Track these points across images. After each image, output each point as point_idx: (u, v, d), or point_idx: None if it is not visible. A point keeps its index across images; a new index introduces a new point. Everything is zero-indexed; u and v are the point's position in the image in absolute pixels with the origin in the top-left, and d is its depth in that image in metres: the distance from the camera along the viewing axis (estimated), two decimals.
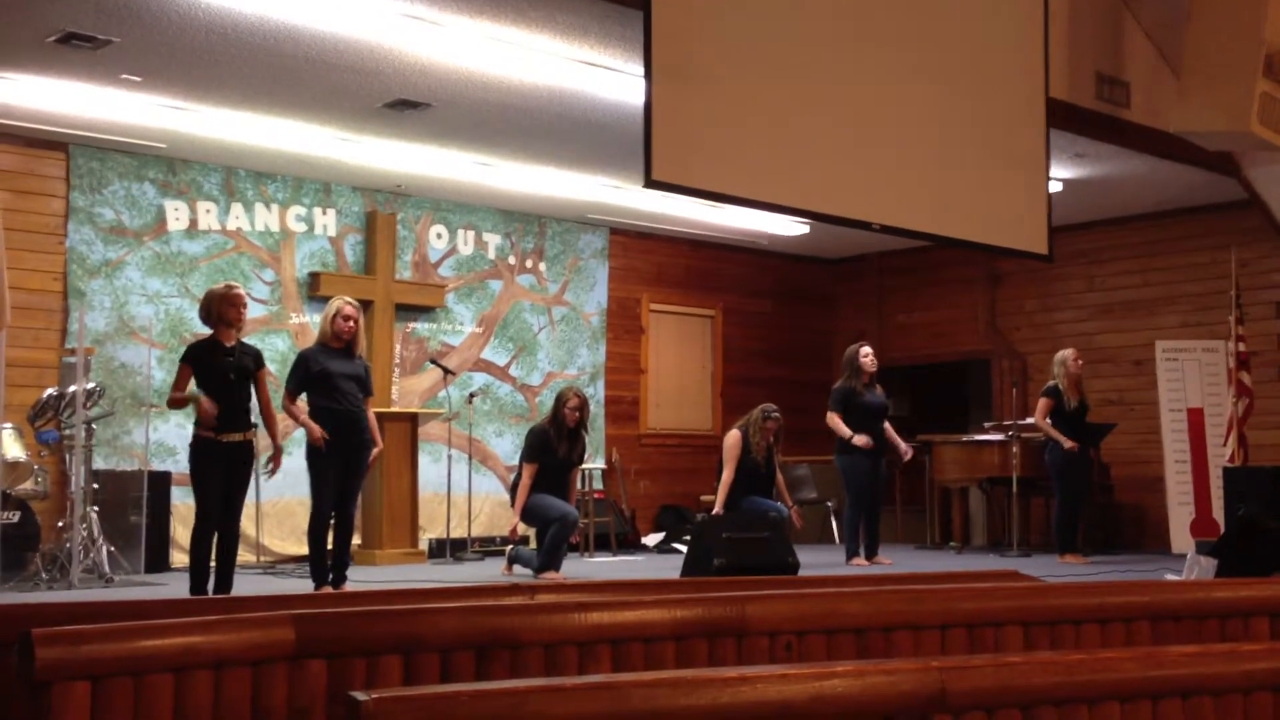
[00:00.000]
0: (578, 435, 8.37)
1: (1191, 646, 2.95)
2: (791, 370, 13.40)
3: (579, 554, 10.42)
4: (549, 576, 7.89)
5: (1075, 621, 3.53)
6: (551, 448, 8.25)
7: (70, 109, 8.26)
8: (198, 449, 6.61)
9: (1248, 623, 3.69)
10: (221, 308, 6.65)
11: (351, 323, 7.28)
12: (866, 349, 9.63)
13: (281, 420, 9.80)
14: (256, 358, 6.86)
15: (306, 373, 7.23)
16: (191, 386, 6.71)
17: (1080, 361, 9.89)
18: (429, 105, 8.35)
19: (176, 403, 6.85)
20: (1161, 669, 2.60)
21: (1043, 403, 9.84)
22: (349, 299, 7.52)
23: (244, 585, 6.74)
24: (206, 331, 6.86)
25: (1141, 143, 8.59)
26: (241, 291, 6.85)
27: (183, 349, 9.34)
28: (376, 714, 2.03)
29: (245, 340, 6.98)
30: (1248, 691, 2.67)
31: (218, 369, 6.61)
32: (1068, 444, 9.54)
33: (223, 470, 6.58)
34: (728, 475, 8.88)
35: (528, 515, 8.27)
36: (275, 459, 6.96)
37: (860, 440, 9.25)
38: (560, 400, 8.35)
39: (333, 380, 7.18)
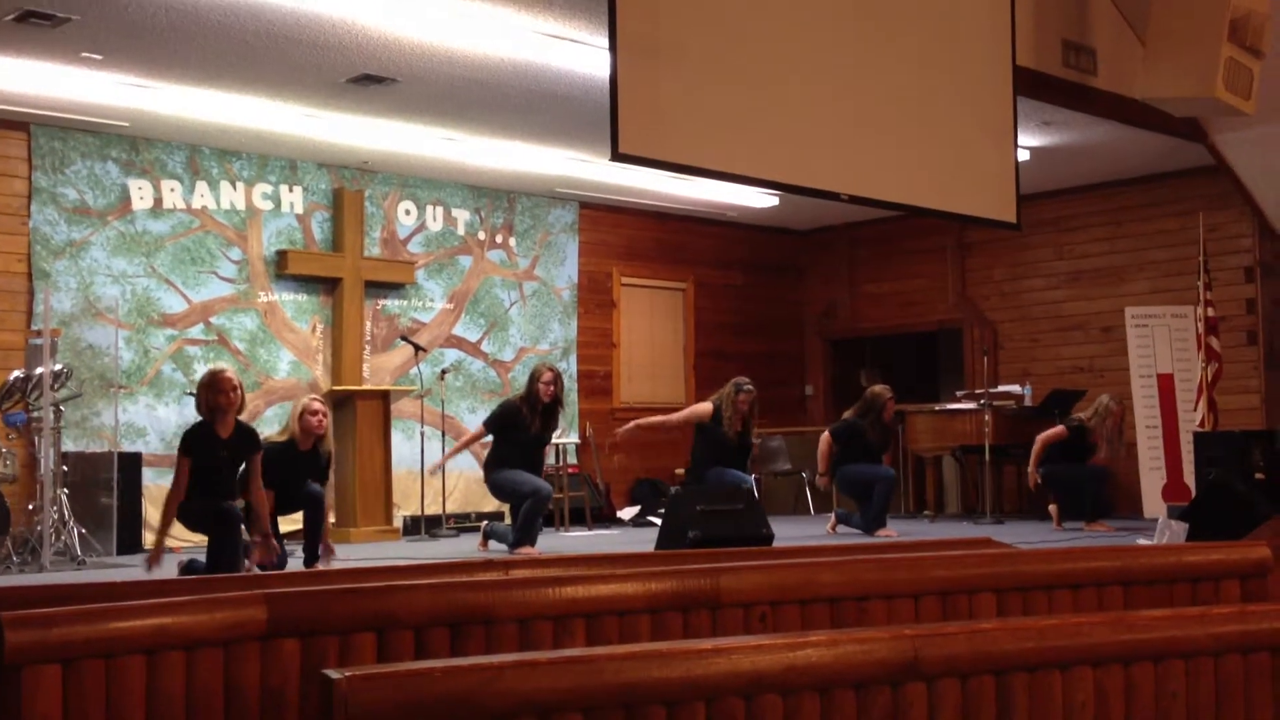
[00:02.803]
0: (553, 411, 8.34)
1: (1163, 610, 2.97)
2: (763, 342, 13.43)
3: (554, 529, 10.42)
4: (524, 551, 7.89)
5: (1048, 587, 3.56)
6: (522, 424, 8.22)
7: (30, 88, 8.16)
8: (185, 512, 6.55)
9: (1218, 586, 3.72)
10: (210, 396, 6.54)
11: (316, 418, 7.25)
12: (892, 400, 9.66)
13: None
14: (252, 443, 6.75)
15: (270, 472, 7.05)
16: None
17: (1121, 410, 9.71)
18: (394, 80, 8.29)
19: (167, 521, 6.55)
20: (1133, 633, 2.62)
21: (1056, 430, 9.65)
22: (316, 396, 7.56)
23: None
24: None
25: (1108, 109, 8.60)
26: (229, 375, 6.65)
27: (149, 331, 9.38)
28: (350, 692, 2.03)
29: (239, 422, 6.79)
30: (1218, 654, 2.69)
31: (208, 458, 6.49)
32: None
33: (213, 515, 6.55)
34: (677, 419, 9.25)
35: (499, 490, 8.28)
36: (262, 545, 6.72)
37: (821, 482, 9.67)
38: (534, 376, 8.31)
39: (287, 489, 7.18)
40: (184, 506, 6.51)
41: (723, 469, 8.84)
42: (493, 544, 8.48)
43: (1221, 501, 6.64)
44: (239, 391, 6.64)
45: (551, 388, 8.24)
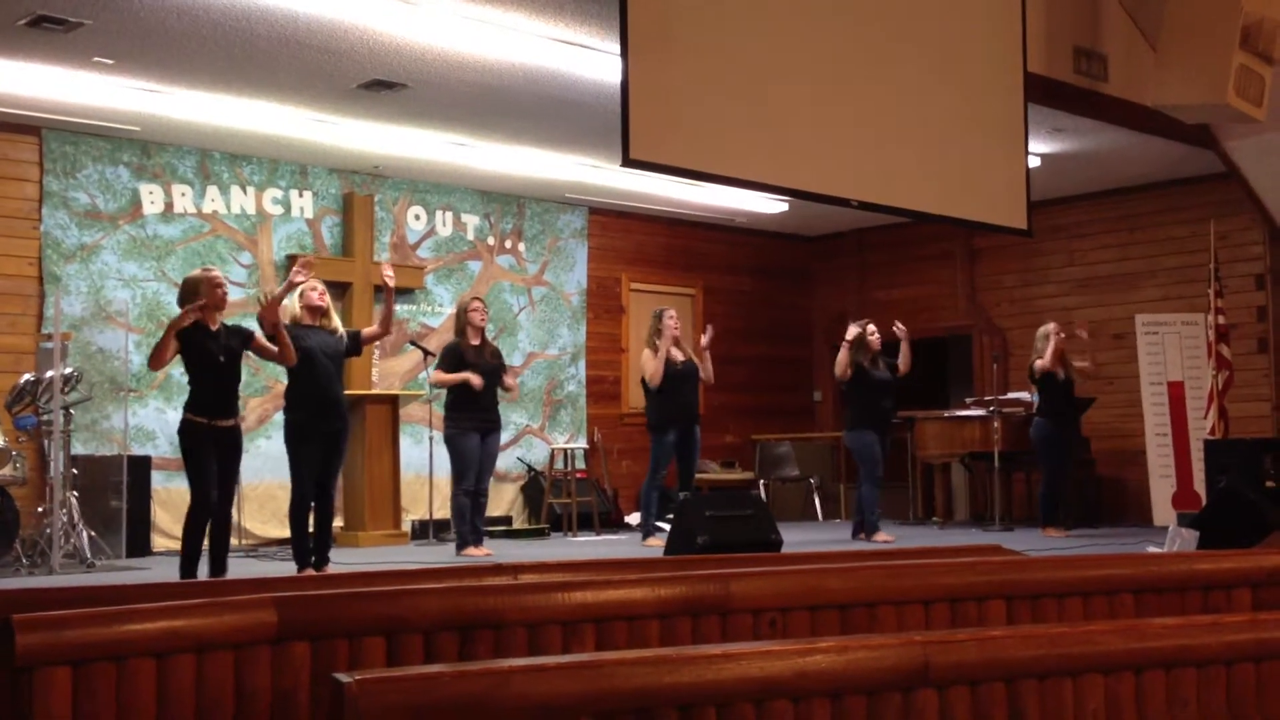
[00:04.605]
0: (483, 338, 8.69)
1: (1174, 619, 2.96)
2: (772, 348, 13.42)
3: (563, 534, 10.43)
4: (470, 552, 8.31)
5: (1058, 595, 3.54)
6: (468, 360, 8.44)
7: (42, 92, 8.18)
8: (188, 432, 6.52)
9: (1230, 594, 3.71)
10: (204, 290, 6.58)
11: (316, 293, 7.25)
12: (871, 325, 9.61)
13: (257, 406, 9.81)
14: (243, 335, 6.74)
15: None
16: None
17: (1064, 335, 9.88)
18: (405, 86, 8.30)
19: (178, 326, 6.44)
20: (1144, 641, 2.61)
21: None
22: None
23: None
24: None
25: (1120, 116, 8.58)
26: (219, 273, 6.75)
27: (159, 335, 9.38)
28: (360, 695, 2.03)
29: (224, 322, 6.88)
30: (1230, 663, 2.68)
31: (206, 353, 6.46)
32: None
33: (214, 453, 6.51)
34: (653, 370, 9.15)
35: (453, 450, 8.49)
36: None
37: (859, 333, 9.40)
38: (459, 314, 8.69)
39: (313, 357, 7.09)
40: (195, 429, 6.48)
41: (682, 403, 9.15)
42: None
43: (1232, 509, 6.63)
44: (226, 292, 6.69)
45: (480, 315, 8.57)
